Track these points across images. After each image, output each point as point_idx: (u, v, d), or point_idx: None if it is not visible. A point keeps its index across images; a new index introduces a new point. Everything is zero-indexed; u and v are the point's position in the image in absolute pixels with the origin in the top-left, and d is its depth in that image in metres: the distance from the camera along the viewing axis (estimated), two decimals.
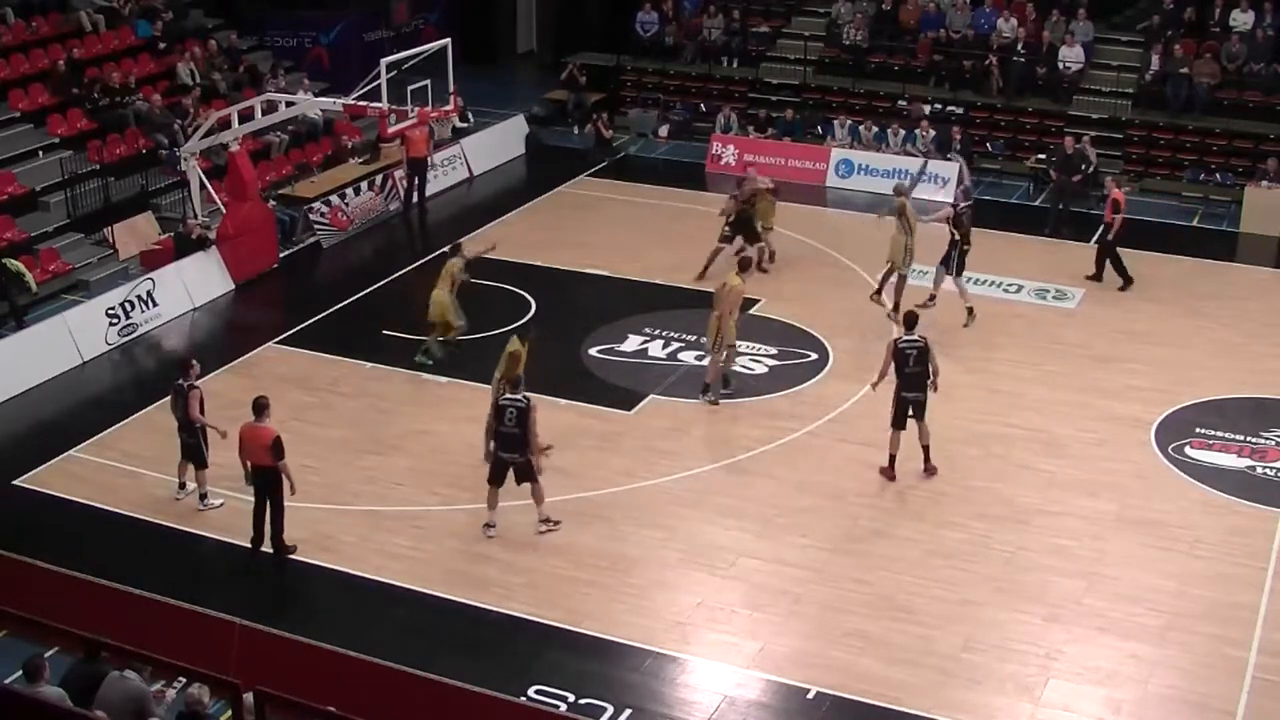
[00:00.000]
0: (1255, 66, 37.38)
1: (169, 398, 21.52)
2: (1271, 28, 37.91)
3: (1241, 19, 38.02)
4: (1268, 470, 22.60)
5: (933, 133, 36.65)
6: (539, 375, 24.80)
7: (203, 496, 21.17)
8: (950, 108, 38.10)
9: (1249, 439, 23.38)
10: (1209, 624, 18.77)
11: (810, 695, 17.26)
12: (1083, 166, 34.17)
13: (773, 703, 17.31)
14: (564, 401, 24.24)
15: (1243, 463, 22.76)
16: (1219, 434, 23.52)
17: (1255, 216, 33.58)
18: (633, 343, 26.46)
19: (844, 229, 32.48)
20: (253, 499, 19.89)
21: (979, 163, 36.75)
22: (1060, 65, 38.33)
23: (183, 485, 21.44)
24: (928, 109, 37.80)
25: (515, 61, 48.65)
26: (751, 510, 21.20)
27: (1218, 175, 35.92)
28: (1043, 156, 36.18)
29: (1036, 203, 35.20)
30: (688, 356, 25.97)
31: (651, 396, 24.56)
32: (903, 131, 37.07)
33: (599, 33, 43.24)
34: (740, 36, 41.66)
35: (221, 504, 21.09)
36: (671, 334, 26.81)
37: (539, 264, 30.36)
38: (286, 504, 19.82)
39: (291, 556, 19.89)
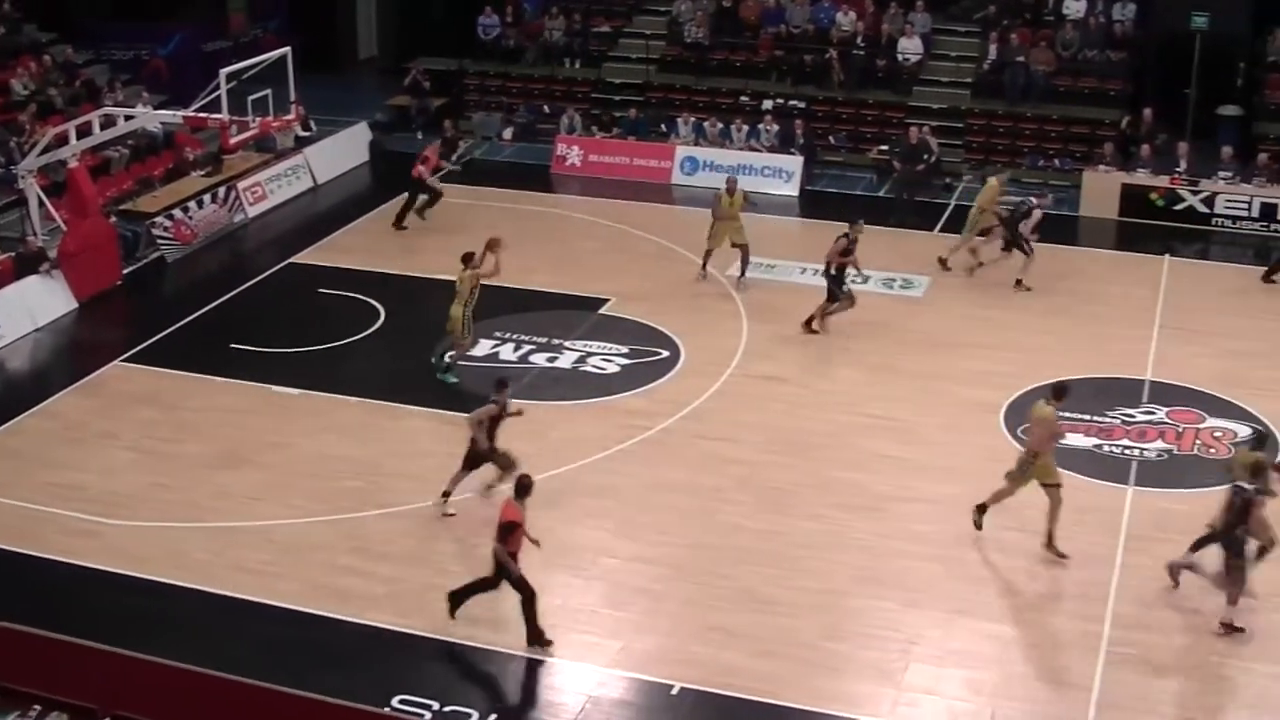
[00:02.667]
0: (1089, 53, 38.12)
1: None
2: (1104, 15, 38.66)
3: (1075, 6, 38.77)
4: (1113, 448, 23.08)
5: (776, 127, 36.92)
6: (391, 383, 24.79)
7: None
8: (792, 102, 38.37)
9: (1094, 418, 23.83)
10: (1064, 601, 19.15)
11: (674, 691, 17.29)
12: (925, 156, 34.62)
13: (636, 700, 17.33)
14: (416, 408, 24.11)
15: (1089, 442, 23.19)
16: (1065, 415, 23.82)
17: (1094, 200, 34.24)
18: (484, 347, 26.33)
19: (691, 226, 32.56)
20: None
21: (822, 156, 37.10)
22: (899, 57, 38.82)
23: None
24: (770, 104, 38.04)
25: (357, 68, 48.28)
26: (610, 509, 21.22)
27: (1056, 161, 36.55)
28: (885, 148, 36.64)
29: (881, 193, 35.58)
30: (540, 359, 25.94)
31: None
32: (746, 127, 37.29)
33: (441, 37, 42.97)
34: (582, 37, 41.67)
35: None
36: (523, 337, 26.75)
37: (388, 271, 30.16)
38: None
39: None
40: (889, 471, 22.21)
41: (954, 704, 17.14)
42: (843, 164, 37.45)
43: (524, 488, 17.94)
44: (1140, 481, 22.17)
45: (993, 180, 30.69)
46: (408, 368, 25.52)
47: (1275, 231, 33.27)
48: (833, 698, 17.17)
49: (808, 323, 26.87)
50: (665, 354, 26.11)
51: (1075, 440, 23.12)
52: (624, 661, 17.90)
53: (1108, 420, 23.86)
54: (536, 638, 17.95)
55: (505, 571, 17.81)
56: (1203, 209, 33.81)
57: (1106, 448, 23.09)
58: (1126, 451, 23.03)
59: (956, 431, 23.36)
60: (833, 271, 26.70)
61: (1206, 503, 21.28)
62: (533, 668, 17.83)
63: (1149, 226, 33.30)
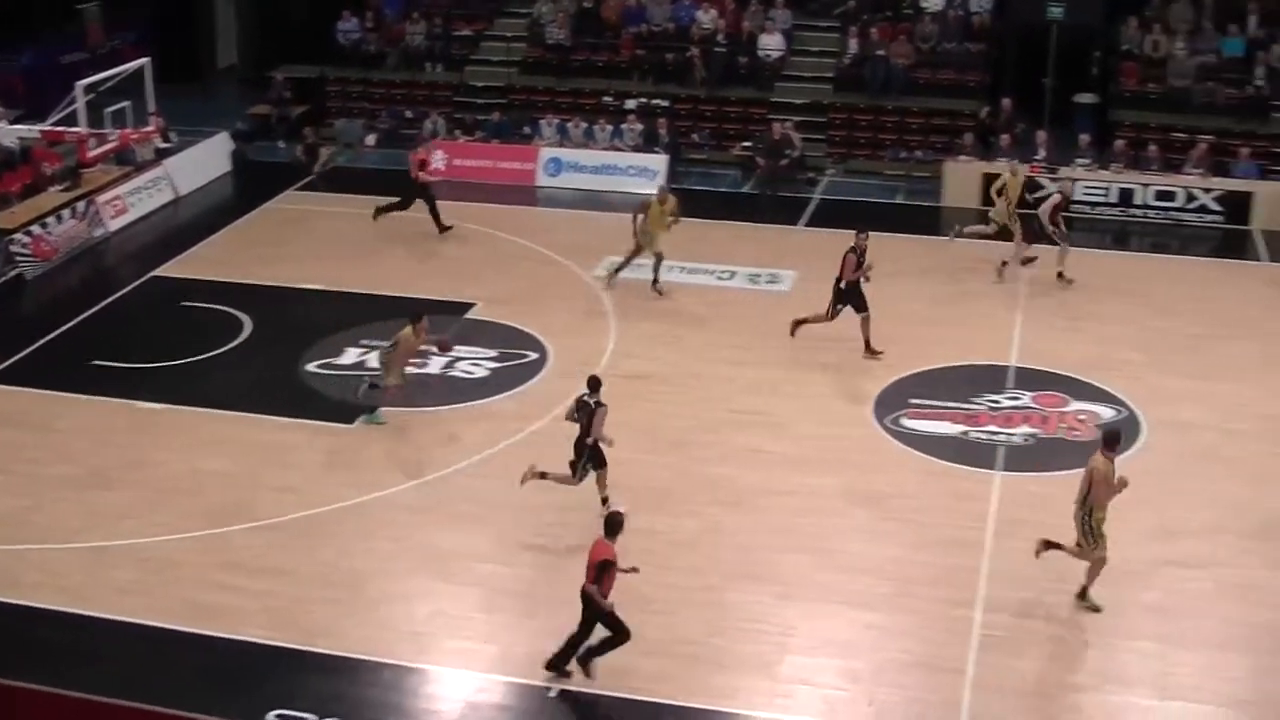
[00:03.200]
0: (948, 45, 38.57)
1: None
2: (961, 7, 39.13)
3: (933, 0, 39.16)
4: (980, 434, 23.38)
5: (640, 127, 36.99)
6: (257, 394, 24.55)
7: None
8: (656, 101, 38.46)
9: (961, 405, 24.12)
10: (936, 588, 19.31)
11: (552, 694, 17.29)
12: (788, 152, 34.85)
13: (515, 705, 17.30)
14: (285, 419, 23.91)
15: (957, 429, 23.48)
16: (932, 403, 24.20)
17: (956, 190, 34.66)
18: (351, 355, 26.17)
19: (556, 227, 32.55)
20: None
21: (686, 154, 37.22)
22: (761, 53, 39.02)
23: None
24: (633, 103, 38.11)
25: (217, 77, 47.72)
26: (483, 514, 21.15)
27: (918, 153, 36.95)
28: (749, 144, 36.84)
29: (745, 190, 35.76)
30: (408, 367, 25.74)
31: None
32: (610, 127, 37.32)
33: (301, 44, 42.60)
34: (443, 41, 41.52)
35: None
36: (389, 344, 26.52)
37: (252, 282, 29.85)
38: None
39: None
40: (762, 466, 22.32)
41: (830, 693, 17.27)
42: (707, 162, 37.61)
43: (615, 524, 17.17)
44: (1008, 466, 22.47)
45: (1008, 175, 30.87)
46: (275, 379, 25.29)
47: (1133, 216, 33.86)
48: (711, 693, 17.23)
49: (868, 349, 26.17)
50: (534, 356, 26.08)
51: (943, 428, 23.43)
52: (502, 666, 17.86)
53: (974, 407, 24.17)
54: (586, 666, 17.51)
55: (597, 612, 17.14)
56: None
57: (974, 434, 23.39)
58: (994, 437, 23.33)
59: (828, 424, 23.54)
60: (843, 286, 26.05)
61: (1074, 485, 21.66)
62: (409, 676, 17.74)
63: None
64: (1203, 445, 23.16)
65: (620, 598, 18.75)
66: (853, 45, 38.75)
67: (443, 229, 32.18)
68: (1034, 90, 37.65)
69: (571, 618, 18.40)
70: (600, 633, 17.24)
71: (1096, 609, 18.81)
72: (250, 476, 22.21)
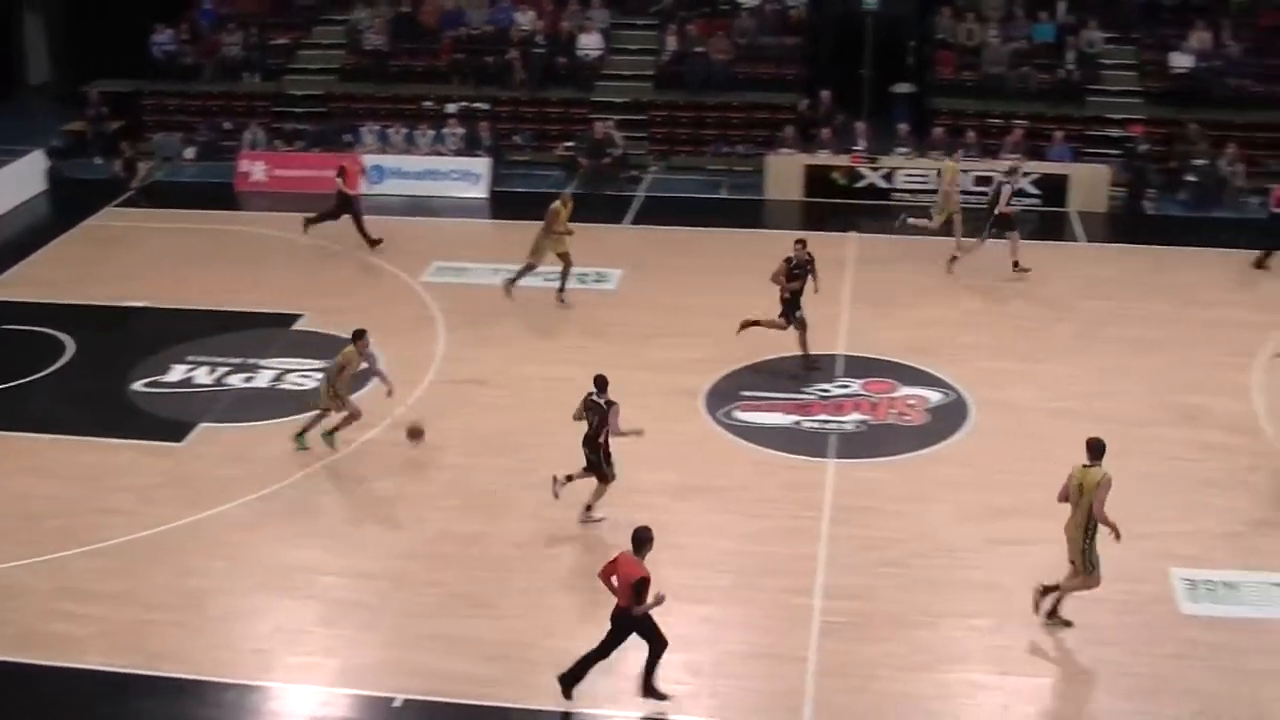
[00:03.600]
0: (765, 40, 38.91)
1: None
2: (778, 2, 39.50)
3: None
4: (812, 423, 23.63)
5: (461, 130, 36.88)
6: (84, 416, 24.10)
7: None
8: (476, 104, 38.35)
9: (791, 396, 24.36)
10: (775, 577, 19.47)
11: (396, 703, 17.16)
12: (610, 150, 34.95)
13: (360, 717, 17.14)
14: (114, 440, 23.50)
15: (789, 419, 23.70)
16: (763, 395, 24.41)
17: (779, 183, 35.01)
18: (178, 372, 25.80)
19: (380, 234, 32.25)
20: None
21: (509, 156, 37.17)
22: (580, 53, 39.09)
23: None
24: (454, 107, 37.97)
25: (29, 94, 46.73)
26: (319, 526, 20.97)
27: (740, 147, 37.22)
28: (571, 144, 36.88)
29: (569, 190, 35.77)
30: (235, 380, 25.50)
31: (203, 425, 24.00)
32: (431, 132, 37.17)
33: (116, 58, 41.81)
34: (260, 51, 41.03)
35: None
36: (217, 359, 26.25)
37: (73, 302, 29.26)
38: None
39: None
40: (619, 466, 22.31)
41: (673, 688, 17.28)
42: (530, 163, 37.58)
43: (642, 540, 16.76)
44: (841, 454, 22.73)
45: (949, 162, 31.48)
46: (101, 399, 24.84)
47: None
48: (555, 695, 17.19)
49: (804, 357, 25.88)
50: (362, 365, 25.82)
51: (775, 419, 23.64)
52: (345, 679, 17.70)
53: (805, 396, 24.42)
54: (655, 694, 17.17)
55: (638, 624, 16.76)
56: (883, 184, 34.86)
57: (805, 423, 23.63)
58: (825, 425, 23.59)
59: (660, 420, 23.53)
60: (786, 296, 25.70)
61: (905, 469, 22.09)
62: (252, 695, 17.51)
63: (833, 205, 34.18)
64: (1029, 425, 23.62)
65: (458, 604, 18.79)
66: (671, 43, 38.97)
67: (372, 243, 31.77)
68: (852, 81, 38.12)
69: (416, 626, 18.39)
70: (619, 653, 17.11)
71: (1066, 623, 18.59)
72: (82, 500, 21.76)
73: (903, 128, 35.90)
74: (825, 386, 24.82)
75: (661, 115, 38.24)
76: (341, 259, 31.20)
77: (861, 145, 35.31)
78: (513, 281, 28.54)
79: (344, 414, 22.85)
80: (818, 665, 17.69)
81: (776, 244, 30.99)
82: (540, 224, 28.16)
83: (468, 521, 20.97)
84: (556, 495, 20.85)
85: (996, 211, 29.64)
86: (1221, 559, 20.05)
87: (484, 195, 35.48)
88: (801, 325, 25.51)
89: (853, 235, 32.13)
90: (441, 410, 22.79)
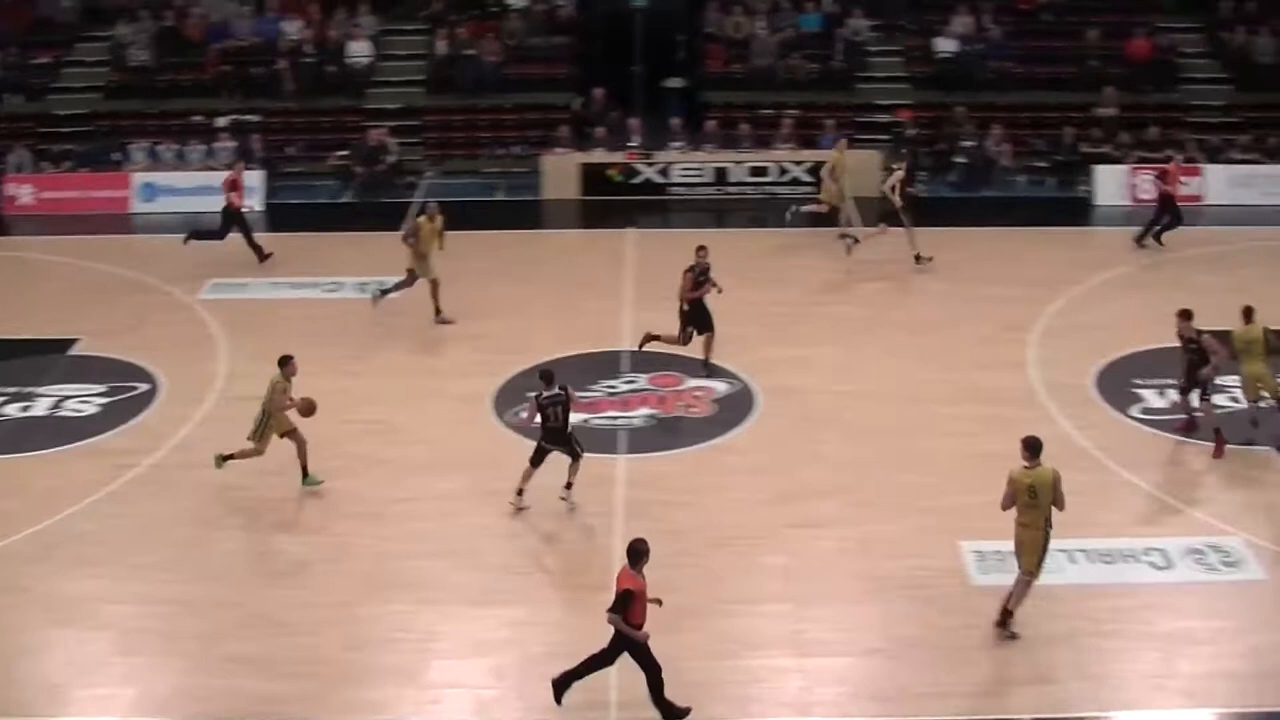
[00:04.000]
0: (535, 40, 38.94)
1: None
2: (545, 2, 39.57)
3: None
4: (600, 420, 23.70)
5: (233, 144, 36.34)
6: None
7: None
8: (247, 117, 37.78)
9: (579, 394, 24.14)
10: (574, 575, 19.62)
11: None
12: (385, 158, 34.70)
13: None
14: None
15: (577, 418, 23.55)
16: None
17: (555, 183, 35.07)
18: None
19: (156, 253, 31.68)
20: None
21: (282, 168, 36.70)
22: (350, 61, 38.74)
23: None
24: (224, 121, 37.39)
25: None
26: (107, 554, 20.44)
27: (515, 149, 37.18)
28: (345, 153, 36.51)
29: (345, 199, 35.49)
30: (12, 410, 24.81)
31: None
32: (202, 147, 36.57)
33: None
34: (21, 70, 39.93)
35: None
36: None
37: None
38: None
39: None
40: (386, 475, 22.17)
41: (480, 693, 17.28)
42: (304, 174, 37.12)
43: (638, 552, 16.37)
44: (631, 449, 22.85)
45: (834, 153, 32.07)
46: None
47: (729, 194, 34.77)
48: (360, 709, 17.04)
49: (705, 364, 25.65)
50: (145, 387, 25.36)
51: None
52: (141, 708, 17.30)
53: (592, 394, 24.46)
54: (674, 715, 16.73)
55: (628, 643, 16.47)
56: (659, 179, 35.10)
57: (594, 421, 23.67)
58: (614, 422, 23.67)
59: (449, 426, 23.52)
60: (685, 308, 25.39)
61: (696, 460, 22.26)
62: None
63: (611, 202, 34.31)
64: (814, 409, 23.95)
65: (254, 624, 18.49)
66: (441, 46, 38.81)
67: (262, 257, 31.05)
68: (624, 78, 38.29)
69: (212, 650, 18.09)
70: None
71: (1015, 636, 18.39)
72: None
73: (675, 122, 36.19)
74: (612, 383, 24.90)
75: (435, 120, 38.07)
76: (114, 281, 30.51)
77: (636, 141, 35.52)
78: (385, 295, 28.27)
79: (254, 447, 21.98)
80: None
81: (555, 243, 31.27)
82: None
83: (258, 539, 20.67)
84: (571, 505, 21.04)
85: (900, 200, 30.29)
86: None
87: (259, 208, 34.95)
88: (704, 329, 25.35)
89: (631, 231, 32.28)
90: (226, 430, 22.37)
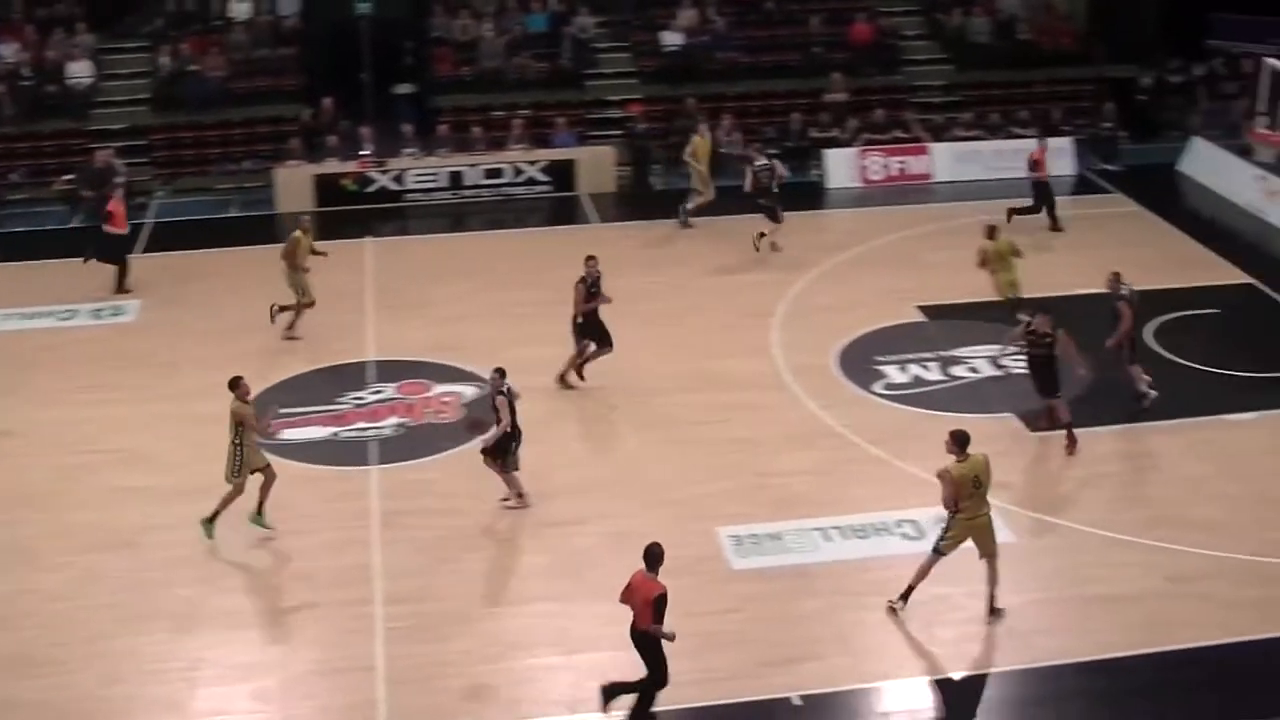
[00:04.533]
0: (261, 53, 38.39)
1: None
2: (270, 13, 39.04)
3: (241, 9, 38.99)
4: (350, 432, 23.47)
5: None
6: None
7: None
8: None
9: (326, 408, 24.13)
10: (334, 591, 19.25)
11: None
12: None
13: None
14: None
15: (326, 431, 23.47)
16: (298, 410, 24.02)
17: (289, 195, 34.65)
18: None
19: None
20: None
21: (6, 195, 35.56)
22: (70, 82, 37.70)
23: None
24: None
25: None
26: None
27: (246, 163, 36.60)
28: (71, 176, 35.48)
29: (74, 224, 34.55)
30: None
31: None
32: None
33: None
34: None
35: None
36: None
37: None
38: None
39: None
40: (134, 503, 21.58)
41: (245, 718, 16.99)
42: (29, 200, 35.98)
43: (656, 556, 16.25)
44: (383, 459, 22.65)
45: (697, 137, 32.74)
46: None
47: (465, 197, 34.69)
48: None
49: (562, 378, 24.93)
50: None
51: (313, 433, 23.36)
52: None
53: (340, 407, 24.20)
54: None
55: (653, 651, 16.32)
56: (395, 187, 34.89)
57: (343, 434, 23.44)
58: (364, 433, 23.45)
59: (196, 449, 22.96)
60: (580, 321, 24.65)
61: (449, 466, 22.18)
62: None
63: (348, 212, 33.92)
64: (563, 406, 24.04)
65: (8, 667, 17.92)
66: (165, 63, 38.00)
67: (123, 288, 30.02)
68: (353, 87, 37.95)
69: None
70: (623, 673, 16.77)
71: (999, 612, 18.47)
72: None
73: (407, 128, 35.97)
74: (359, 394, 24.66)
75: (162, 138, 37.26)
76: None
77: (368, 150, 35.22)
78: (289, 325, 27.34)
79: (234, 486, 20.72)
80: (388, 673, 17.59)
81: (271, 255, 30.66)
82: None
83: (3, 580, 19.99)
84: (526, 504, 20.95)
85: (775, 189, 30.96)
86: (762, 513, 20.84)
87: None
88: (603, 343, 24.83)
89: (369, 240, 32.01)
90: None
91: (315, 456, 22.63)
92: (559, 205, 34.68)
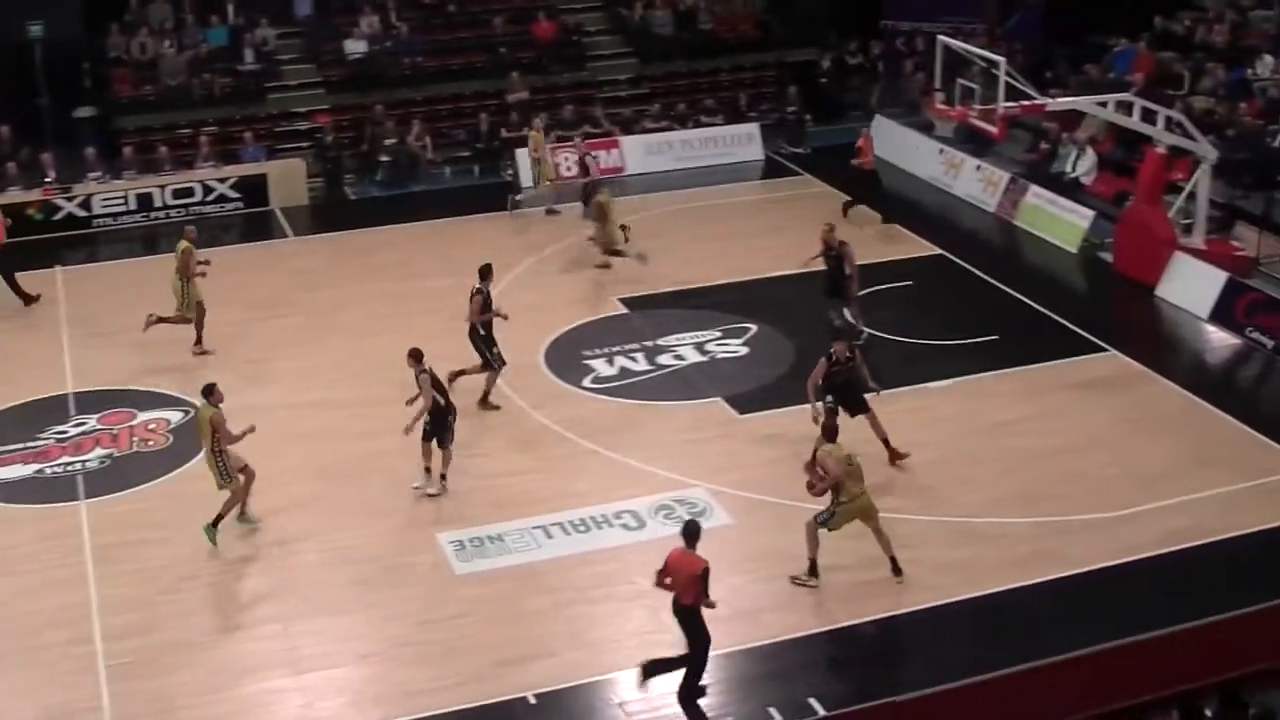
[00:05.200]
0: None
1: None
2: None
3: None
4: (55, 468, 22.78)
5: None
6: None
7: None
8: None
9: (27, 445, 23.39)
10: (52, 633, 18.72)
11: None
12: None
13: None
14: None
15: (30, 469, 22.75)
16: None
17: None
18: None
19: None
20: None
21: None
22: None
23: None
24: None
25: None
26: None
27: None
28: None
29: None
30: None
31: None
32: None
33: None
34: None
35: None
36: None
37: None
38: None
39: None
40: None
41: None
42: None
43: (693, 533, 16.83)
44: (91, 493, 22.04)
45: (533, 131, 33.55)
46: None
47: (157, 219, 33.91)
48: None
49: (483, 400, 24.20)
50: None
51: (14, 472, 22.63)
52: None
53: (41, 443, 23.47)
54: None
55: (695, 624, 16.85)
56: (82, 213, 33.87)
57: (48, 470, 22.74)
58: (69, 468, 22.79)
59: None
60: (482, 332, 23.95)
61: (161, 494, 21.76)
62: None
63: (34, 242, 32.75)
64: (275, 424, 23.66)
65: None
66: None
67: (27, 300, 28.94)
68: (31, 112, 36.81)
69: None
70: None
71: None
72: None
73: (91, 152, 35.01)
74: (61, 428, 23.96)
75: None
76: None
77: (51, 176, 34.20)
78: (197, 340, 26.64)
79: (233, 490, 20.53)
80: (113, 711, 17.23)
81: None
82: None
83: None
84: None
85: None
86: (482, 515, 20.93)
87: None
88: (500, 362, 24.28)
89: (58, 269, 31.13)
90: None
91: (20, 495, 21.94)
92: (253, 221, 34.14)
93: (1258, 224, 29.29)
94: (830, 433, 19.38)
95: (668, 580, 16.84)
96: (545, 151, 33.60)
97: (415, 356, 21.45)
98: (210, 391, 20.47)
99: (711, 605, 16.80)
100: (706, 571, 16.61)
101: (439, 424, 21.40)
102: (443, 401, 21.44)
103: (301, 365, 25.98)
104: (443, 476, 21.64)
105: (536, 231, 32.69)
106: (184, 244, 26.69)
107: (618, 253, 29.41)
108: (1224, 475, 21.52)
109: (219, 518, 20.41)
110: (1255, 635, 16.93)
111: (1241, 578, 19.04)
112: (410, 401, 21.55)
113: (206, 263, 27.06)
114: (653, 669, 17.18)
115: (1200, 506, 20.36)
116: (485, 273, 24.36)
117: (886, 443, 22.15)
